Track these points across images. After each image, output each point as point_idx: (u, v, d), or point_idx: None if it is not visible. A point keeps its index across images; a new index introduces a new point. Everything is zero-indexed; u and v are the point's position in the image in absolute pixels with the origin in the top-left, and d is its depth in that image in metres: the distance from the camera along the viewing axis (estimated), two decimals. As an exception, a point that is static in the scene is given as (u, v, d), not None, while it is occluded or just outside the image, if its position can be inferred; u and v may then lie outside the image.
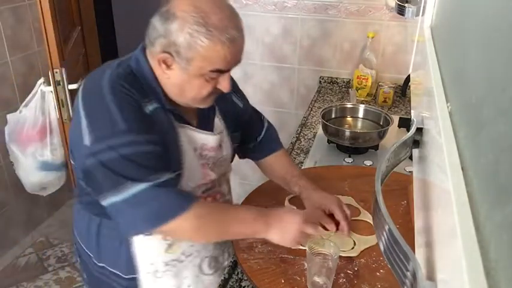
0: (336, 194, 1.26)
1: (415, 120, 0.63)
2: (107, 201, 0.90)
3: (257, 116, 1.31)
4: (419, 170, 0.58)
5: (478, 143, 0.32)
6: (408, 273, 0.36)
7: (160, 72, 0.94)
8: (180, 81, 0.93)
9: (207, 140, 1.05)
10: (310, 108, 2.06)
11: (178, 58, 0.89)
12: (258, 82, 2.46)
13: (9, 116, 2.22)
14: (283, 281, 0.95)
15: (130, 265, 1.08)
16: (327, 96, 2.22)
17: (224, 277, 1.05)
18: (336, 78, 2.31)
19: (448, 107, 0.46)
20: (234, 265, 1.09)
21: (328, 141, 1.68)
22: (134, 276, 1.09)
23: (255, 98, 2.49)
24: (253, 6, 2.29)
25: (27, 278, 2.36)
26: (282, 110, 2.49)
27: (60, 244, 2.60)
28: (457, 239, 0.28)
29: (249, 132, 1.25)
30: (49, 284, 2.32)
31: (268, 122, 1.33)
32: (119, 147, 0.87)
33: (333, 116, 1.73)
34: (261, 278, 0.95)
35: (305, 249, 0.96)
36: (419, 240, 0.48)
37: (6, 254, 2.47)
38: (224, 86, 0.95)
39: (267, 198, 1.23)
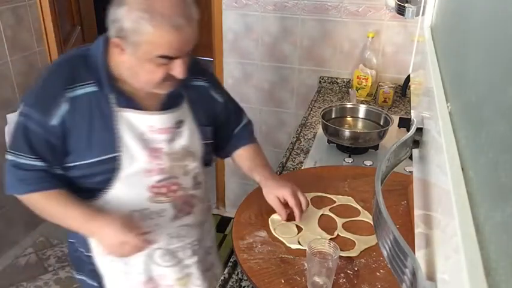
0: (336, 194, 1.27)
1: (415, 120, 0.63)
2: None
3: (238, 112, 1.31)
4: (419, 170, 0.58)
5: (478, 143, 0.32)
6: (408, 273, 0.36)
7: (116, 56, 0.99)
8: (132, 65, 0.97)
9: (153, 121, 1.06)
10: (310, 108, 2.06)
11: (126, 43, 0.94)
12: (258, 82, 2.46)
13: (9, 116, 2.22)
14: (283, 281, 0.95)
15: (88, 244, 1.13)
16: (327, 96, 2.22)
17: (224, 277, 1.05)
18: (336, 78, 2.31)
19: (448, 107, 0.46)
20: (234, 265, 1.09)
21: (328, 141, 1.68)
22: (92, 254, 1.14)
23: (255, 98, 2.49)
24: (253, 6, 2.29)
25: (27, 278, 2.36)
26: (282, 110, 2.49)
27: (60, 244, 2.60)
28: (457, 239, 0.28)
29: (225, 127, 1.26)
30: (49, 284, 2.32)
31: (248, 120, 1.33)
32: (20, 114, 1.01)
33: (333, 116, 1.73)
34: (261, 278, 0.95)
35: (305, 249, 0.96)
36: (419, 240, 0.48)
37: (6, 254, 2.47)
38: (177, 72, 0.98)
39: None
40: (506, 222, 0.23)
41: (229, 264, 1.09)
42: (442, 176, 0.37)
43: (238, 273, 1.07)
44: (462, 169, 0.34)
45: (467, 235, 0.27)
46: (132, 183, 1.05)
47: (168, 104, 1.08)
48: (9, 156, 1.02)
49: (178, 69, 0.97)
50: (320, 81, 2.33)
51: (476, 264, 0.25)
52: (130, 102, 1.03)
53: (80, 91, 0.99)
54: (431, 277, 0.36)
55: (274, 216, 1.14)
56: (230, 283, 1.04)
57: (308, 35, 2.27)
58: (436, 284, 0.35)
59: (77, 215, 1.01)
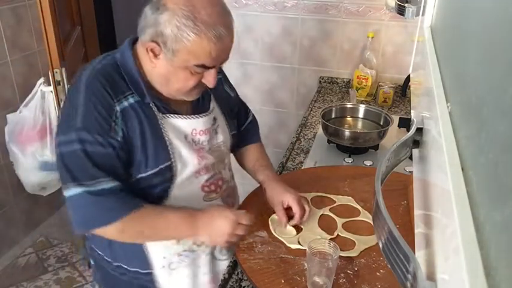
0: (336, 194, 1.27)
1: (415, 120, 0.63)
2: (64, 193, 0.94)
3: (244, 108, 1.34)
4: (419, 170, 0.58)
5: (478, 143, 0.32)
6: (408, 273, 0.36)
7: (147, 61, 0.96)
8: (166, 72, 0.95)
9: (196, 124, 1.06)
10: (310, 108, 2.06)
11: (164, 49, 0.91)
12: (258, 82, 2.46)
13: (9, 116, 2.22)
14: (283, 281, 0.95)
15: (145, 261, 1.09)
16: (327, 96, 2.22)
17: (224, 277, 1.05)
18: (336, 78, 2.31)
19: (448, 107, 0.46)
20: (234, 265, 1.09)
21: (328, 141, 1.68)
22: (151, 271, 1.10)
23: (255, 98, 2.49)
24: (253, 6, 2.29)
25: (27, 278, 2.36)
26: (282, 110, 2.49)
27: (60, 244, 2.60)
28: (457, 239, 0.28)
29: (236, 123, 1.28)
30: (49, 284, 2.32)
31: (253, 116, 1.37)
32: (71, 143, 0.91)
33: (333, 116, 1.73)
34: (261, 278, 0.95)
35: (305, 249, 0.96)
36: (419, 240, 0.48)
37: (6, 254, 2.47)
38: (209, 80, 0.97)
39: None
40: (506, 222, 0.23)
41: (229, 264, 1.09)
42: (442, 176, 0.37)
43: (238, 273, 1.07)
44: (462, 169, 0.34)
45: (467, 235, 0.27)
46: (187, 186, 1.06)
47: (198, 105, 1.09)
48: (77, 189, 0.91)
49: (210, 79, 0.96)
50: (320, 81, 2.33)
51: (476, 264, 0.25)
52: (169, 108, 1.02)
53: (125, 102, 0.96)
54: (431, 277, 0.36)
55: (274, 216, 1.14)
56: (230, 283, 1.04)
57: (308, 35, 2.27)
58: (436, 284, 0.35)
59: (179, 222, 1.00)
